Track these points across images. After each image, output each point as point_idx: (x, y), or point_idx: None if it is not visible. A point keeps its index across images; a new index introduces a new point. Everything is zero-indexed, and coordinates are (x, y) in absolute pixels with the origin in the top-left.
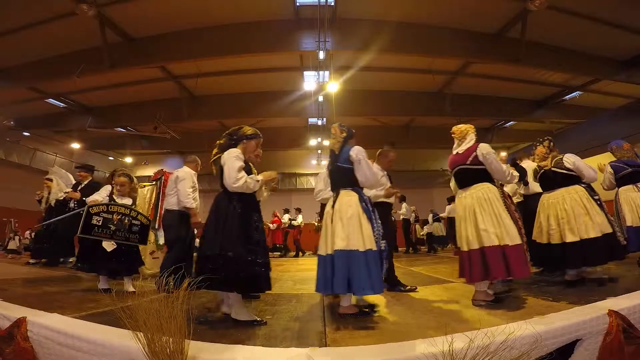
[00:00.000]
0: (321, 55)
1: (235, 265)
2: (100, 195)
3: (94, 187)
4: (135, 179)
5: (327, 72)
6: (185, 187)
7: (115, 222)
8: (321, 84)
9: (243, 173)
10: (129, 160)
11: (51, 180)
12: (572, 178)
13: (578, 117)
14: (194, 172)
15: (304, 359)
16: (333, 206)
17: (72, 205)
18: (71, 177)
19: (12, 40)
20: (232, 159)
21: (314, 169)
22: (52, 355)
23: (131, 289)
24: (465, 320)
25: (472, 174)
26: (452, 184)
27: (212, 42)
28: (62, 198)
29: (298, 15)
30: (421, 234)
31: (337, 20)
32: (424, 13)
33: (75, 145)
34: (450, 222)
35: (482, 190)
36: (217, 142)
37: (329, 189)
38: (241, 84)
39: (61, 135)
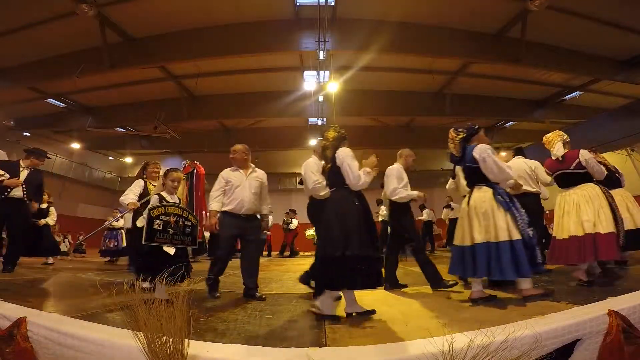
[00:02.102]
0: (321, 55)
1: (362, 263)
2: (134, 192)
3: (39, 176)
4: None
5: (327, 72)
6: (213, 189)
7: (172, 225)
8: (321, 84)
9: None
10: (129, 160)
11: None
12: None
13: (578, 117)
14: (232, 167)
15: (304, 359)
16: (468, 203)
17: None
18: (3, 153)
19: (12, 40)
20: (350, 157)
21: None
22: (52, 355)
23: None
24: (465, 320)
25: (576, 177)
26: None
27: (212, 42)
28: None
29: (298, 15)
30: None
31: (337, 20)
32: (424, 13)
33: (75, 145)
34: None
35: (587, 189)
36: (324, 141)
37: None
38: (241, 84)
39: (61, 135)
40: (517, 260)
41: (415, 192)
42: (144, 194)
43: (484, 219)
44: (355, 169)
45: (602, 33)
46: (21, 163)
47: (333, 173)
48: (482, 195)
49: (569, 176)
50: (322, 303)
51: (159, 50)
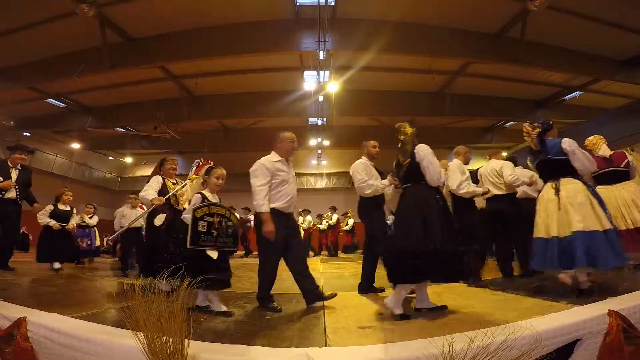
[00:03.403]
0: (321, 55)
1: (446, 256)
2: (154, 189)
3: (28, 173)
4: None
5: (327, 72)
6: (255, 183)
7: (216, 226)
8: (321, 84)
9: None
10: (129, 160)
11: None
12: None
13: (578, 117)
14: (280, 158)
15: (304, 359)
16: (556, 194)
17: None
18: None
19: (12, 40)
20: (431, 154)
21: (314, 169)
22: (52, 355)
23: (223, 308)
24: (465, 320)
25: (621, 174)
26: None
27: (212, 42)
28: None
29: (298, 15)
30: None
31: (337, 20)
32: (423, 13)
33: (75, 145)
34: None
35: (633, 186)
36: (406, 130)
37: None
38: (241, 84)
39: (61, 135)
40: (615, 248)
41: (479, 189)
42: (162, 192)
43: (583, 209)
44: (437, 166)
45: (602, 33)
46: (9, 162)
47: (412, 168)
48: (574, 186)
49: (615, 174)
50: (393, 302)
51: (159, 50)
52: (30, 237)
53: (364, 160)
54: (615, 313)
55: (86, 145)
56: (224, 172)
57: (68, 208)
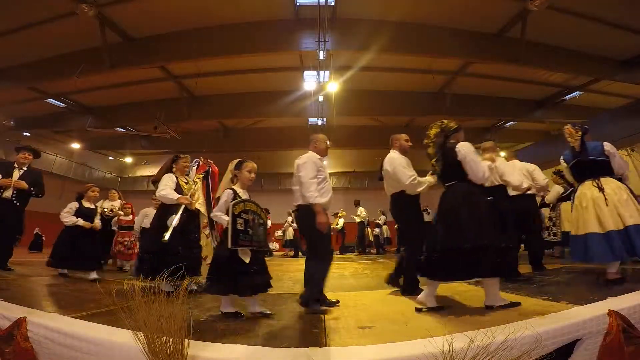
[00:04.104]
0: (321, 55)
1: (495, 252)
2: (171, 187)
3: (36, 174)
4: None
5: (327, 72)
6: (307, 176)
7: (251, 225)
8: (321, 84)
9: None
10: (129, 160)
11: None
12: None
13: (578, 117)
14: (319, 157)
15: (304, 359)
16: (601, 191)
17: (10, 194)
18: None
19: (12, 40)
20: (473, 152)
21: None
22: (52, 355)
23: (261, 309)
24: (465, 320)
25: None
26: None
27: (212, 42)
28: None
29: (298, 15)
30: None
31: (337, 20)
32: (424, 13)
33: (75, 145)
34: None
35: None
36: (430, 132)
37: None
38: (241, 84)
39: (61, 135)
40: None
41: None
42: (177, 190)
43: (628, 205)
44: (481, 164)
45: (602, 33)
46: (15, 163)
47: (451, 167)
48: (617, 184)
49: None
50: (426, 297)
51: (159, 50)
52: (44, 238)
53: (398, 154)
54: (615, 313)
55: (86, 145)
56: (255, 165)
57: (93, 206)
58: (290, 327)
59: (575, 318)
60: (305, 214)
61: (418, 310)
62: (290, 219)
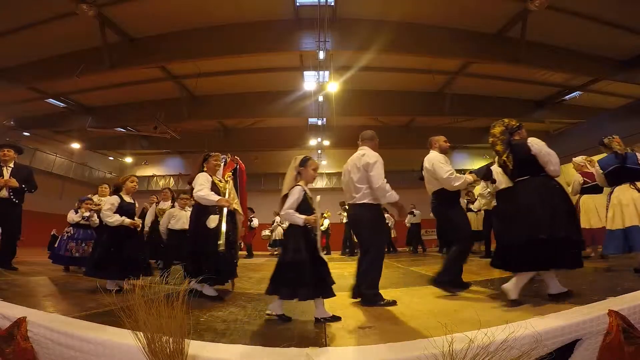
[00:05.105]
0: (321, 55)
1: (570, 244)
2: (207, 187)
3: (25, 170)
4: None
5: (327, 72)
6: (381, 175)
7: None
8: (321, 84)
9: None
10: (129, 160)
11: None
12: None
13: (578, 117)
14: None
15: (303, 359)
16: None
17: (6, 194)
18: None
19: (12, 40)
20: (546, 146)
21: None
22: (52, 355)
23: (329, 314)
24: (465, 320)
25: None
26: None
27: (212, 42)
28: None
29: (298, 15)
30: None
31: (337, 20)
32: (424, 13)
33: (75, 145)
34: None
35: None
36: (495, 131)
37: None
38: (241, 84)
39: (61, 135)
40: None
41: None
42: (213, 190)
43: None
44: (556, 157)
45: (602, 33)
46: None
47: (526, 160)
48: None
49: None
50: (514, 287)
51: (159, 50)
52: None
53: (437, 153)
54: (615, 313)
55: (86, 145)
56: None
57: (133, 200)
58: (290, 327)
59: (575, 318)
60: (360, 212)
61: (507, 298)
62: (278, 219)
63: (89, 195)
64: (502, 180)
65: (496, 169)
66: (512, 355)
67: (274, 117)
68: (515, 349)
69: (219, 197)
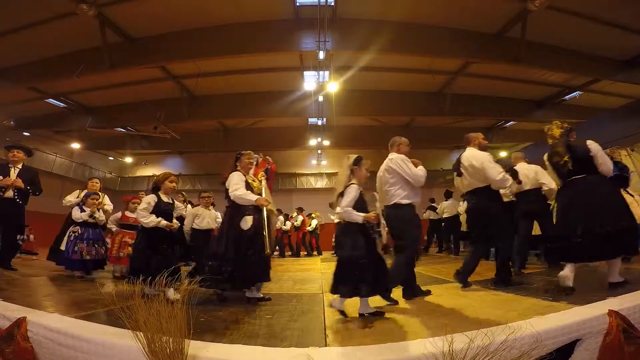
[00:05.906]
0: (321, 55)
1: (629, 234)
2: (242, 187)
3: (31, 172)
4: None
5: (327, 72)
6: (420, 173)
7: None
8: (321, 84)
9: None
10: (129, 160)
11: None
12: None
13: (578, 117)
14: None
15: (304, 359)
16: None
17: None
18: None
19: (12, 40)
20: (601, 149)
21: (314, 169)
22: (52, 355)
23: (373, 309)
24: (465, 320)
25: None
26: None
27: (212, 42)
28: None
29: (298, 15)
30: None
31: (337, 20)
32: (424, 13)
33: (75, 145)
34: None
35: None
36: (554, 133)
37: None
38: (241, 84)
39: (61, 135)
40: None
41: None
42: (248, 190)
43: None
44: (609, 159)
45: (602, 33)
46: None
47: (584, 160)
48: None
49: None
50: (571, 275)
51: (159, 50)
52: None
53: (480, 151)
54: (615, 313)
55: (86, 145)
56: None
57: (171, 200)
58: (290, 327)
59: (575, 318)
60: (395, 213)
61: (562, 286)
62: (281, 218)
63: (78, 191)
64: (526, 182)
65: (522, 170)
66: (512, 355)
67: (274, 117)
68: (515, 349)
69: (257, 197)
